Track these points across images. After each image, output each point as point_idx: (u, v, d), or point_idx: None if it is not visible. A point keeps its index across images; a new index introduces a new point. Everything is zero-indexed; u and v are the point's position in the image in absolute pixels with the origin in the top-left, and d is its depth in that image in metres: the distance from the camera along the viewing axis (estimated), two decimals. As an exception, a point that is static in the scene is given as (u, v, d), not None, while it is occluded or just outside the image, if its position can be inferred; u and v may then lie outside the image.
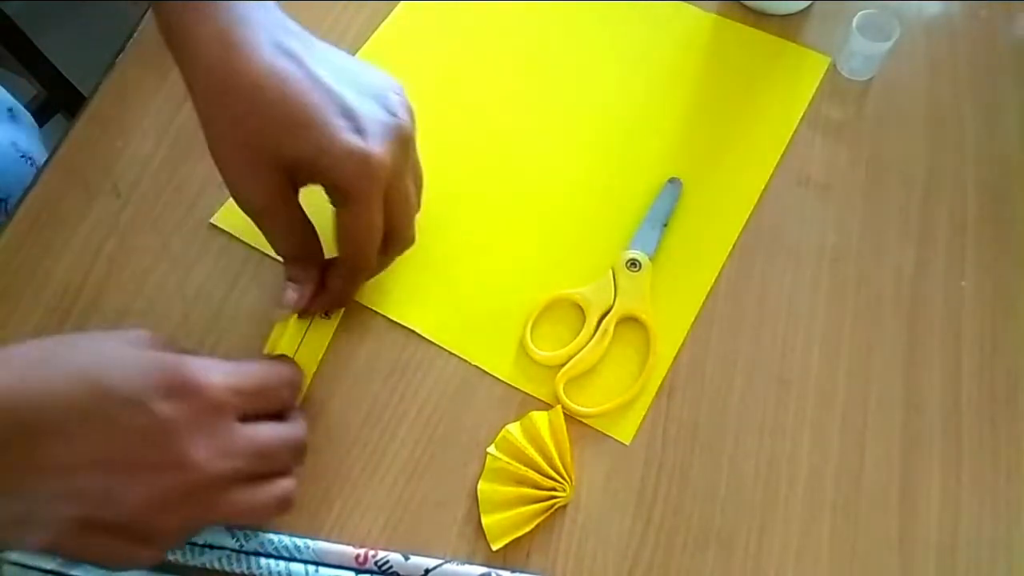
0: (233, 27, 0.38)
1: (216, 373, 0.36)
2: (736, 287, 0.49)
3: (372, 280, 0.47)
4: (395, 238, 0.44)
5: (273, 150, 0.39)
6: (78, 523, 0.33)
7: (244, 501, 0.36)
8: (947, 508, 0.42)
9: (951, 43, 0.57)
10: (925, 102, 0.55)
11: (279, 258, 0.44)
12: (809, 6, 0.59)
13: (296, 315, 0.44)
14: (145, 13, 0.59)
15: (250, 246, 0.50)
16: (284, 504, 0.38)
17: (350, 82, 0.40)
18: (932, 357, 0.46)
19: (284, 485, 0.38)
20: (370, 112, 0.40)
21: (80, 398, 0.33)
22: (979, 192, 0.52)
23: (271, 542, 0.41)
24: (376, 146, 0.39)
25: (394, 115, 0.41)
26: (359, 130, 0.39)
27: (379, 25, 0.58)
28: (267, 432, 0.38)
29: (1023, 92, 0.55)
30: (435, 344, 0.47)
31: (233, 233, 0.50)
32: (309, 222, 0.43)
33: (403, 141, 0.41)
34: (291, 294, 0.43)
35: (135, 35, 0.58)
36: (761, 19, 0.58)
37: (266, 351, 0.43)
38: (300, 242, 0.43)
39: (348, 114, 0.39)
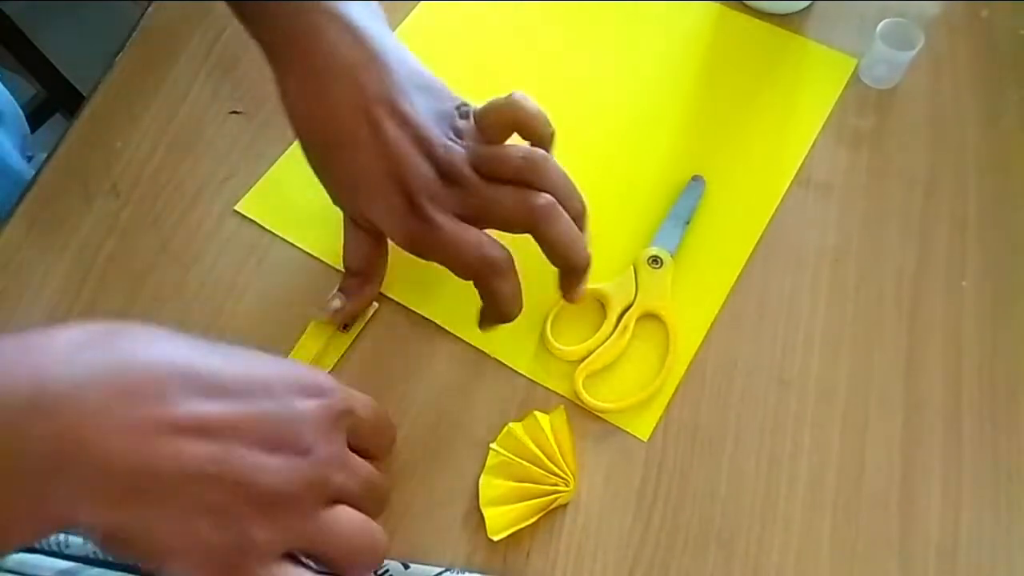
0: (318, 75, 0.40)
1: (341, 387, 0.36)
2: (737, 287, 0.49)
3: (392, 270, 0.47)
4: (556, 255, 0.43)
5: (346, 205, 0.44)
6: (205, 506, 0.31)
7: (348, 520, 0.35)
8: (948, 508, 0.42)
9: (952, 43, 0.57)
10: (926, 102, 0.55)
11: (281, 257, 0.44)
12: (809, 6, 0.58)
13: (316, 323, 0.46)
14: (145, 12, 0.59)
15: (248, 246, 0.50)
16: (380, 543, 0.36)
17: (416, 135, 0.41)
18: (933, 357, 0.46)
19: (379, 528, 0.36)
20: (424, 177, 0.41)
21: (224, 369, 0.33)
22: (980, 192, 0.51)
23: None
24: (433, 220, 0.41)
25: (450, 160, 0.41)
26: (413, 204, 0.41)
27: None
28: (370, 468, 0.37)
29: (1024, 92, 0.55)
30: (437, 342, 0.47)
31: (257, 220, 0.51)
32: (386, 247, 0.45)
33: (464, 178, 0.42)
34: (336, 302, 0.45)
35: (135, 34, 0.58)
36: (762, 19, 0.58)
37: (293, 355, 0.45)
38: (368, 262, 0.46)
39: (404, 187, 0.40)
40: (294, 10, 0.40)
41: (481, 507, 0.41)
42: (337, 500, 0.35)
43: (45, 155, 0.54)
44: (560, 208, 0.42)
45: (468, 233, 0.41)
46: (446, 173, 0.42)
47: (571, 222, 0.42)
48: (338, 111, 0.40)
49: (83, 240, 0.50)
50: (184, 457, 0.30)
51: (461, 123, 0.43)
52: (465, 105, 0.44)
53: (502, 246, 0.42)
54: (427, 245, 0.42)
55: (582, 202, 0.44)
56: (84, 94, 0.56)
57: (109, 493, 0.29)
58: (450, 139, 0.42)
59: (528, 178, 0.42)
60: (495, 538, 0.41)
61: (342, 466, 0.35)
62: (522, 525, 0.41)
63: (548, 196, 0.42)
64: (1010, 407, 0.45)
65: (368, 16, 0.42)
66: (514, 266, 0.42)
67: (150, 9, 0.59)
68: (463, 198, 0.42)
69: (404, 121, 0.41)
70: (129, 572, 0.40)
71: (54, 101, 1.13)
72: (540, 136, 0.44)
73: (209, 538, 0.31)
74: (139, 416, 0.30)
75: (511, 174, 0.42)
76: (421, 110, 0.42)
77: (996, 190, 0.52)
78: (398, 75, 0.41)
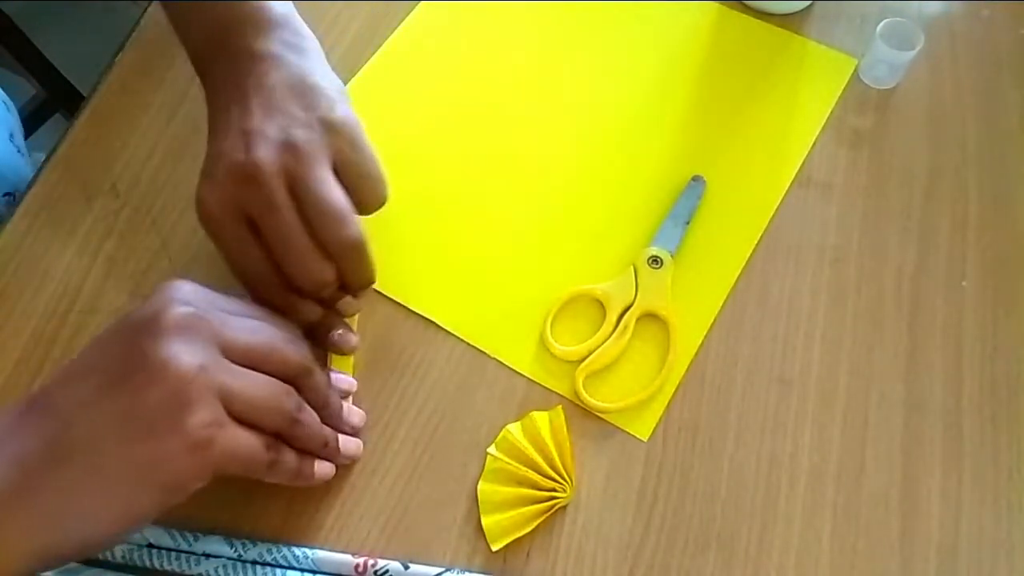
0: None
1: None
2: (736, 287, 0.49)
3: (392, 269, 0.47)
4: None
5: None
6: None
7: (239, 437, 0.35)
8: (948, 508, 0.42)
9: (952, 43, 0.57)
10: (926, 102, 0.55)
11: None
12: (809, 6, 0.58)
13: None
14: (144, 12, 0.59)
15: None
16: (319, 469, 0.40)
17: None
18: (933, 357, 0.46)
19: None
20: (228, 150, 0.40)
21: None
22: (980, 192, 0.51)
23: (270, 551, 0.40)
24: (204, 186, 0.41)
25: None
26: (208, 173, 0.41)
27: (379, 25, 0.58)
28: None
29: (1024, 92, 0.55)
30: (436, 342, 0.47)
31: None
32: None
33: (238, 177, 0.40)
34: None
35: (134, 34, 0.58)
36: (762, 19, 0.58)
37: None
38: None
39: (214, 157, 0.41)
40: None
41: (481, 516, 0.41)
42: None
43: (45, 155, 0.54)
44: None
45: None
46: None
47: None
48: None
49: (82, 240, 0.50)
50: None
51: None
52: None
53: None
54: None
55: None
56: (84, 94, 0.56)
57: None
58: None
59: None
60: (495, 547, 0.41)
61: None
62: (521, 533, 0.41)
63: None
64: (1010, 407, 0.45)
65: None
66: None
67: (150, 9, 0.59)
68: None
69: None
70: (128, 572, 0.40)
71: (54, 101, 1.13)
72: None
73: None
74: None
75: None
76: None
77: (996, 190, 0.52)
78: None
